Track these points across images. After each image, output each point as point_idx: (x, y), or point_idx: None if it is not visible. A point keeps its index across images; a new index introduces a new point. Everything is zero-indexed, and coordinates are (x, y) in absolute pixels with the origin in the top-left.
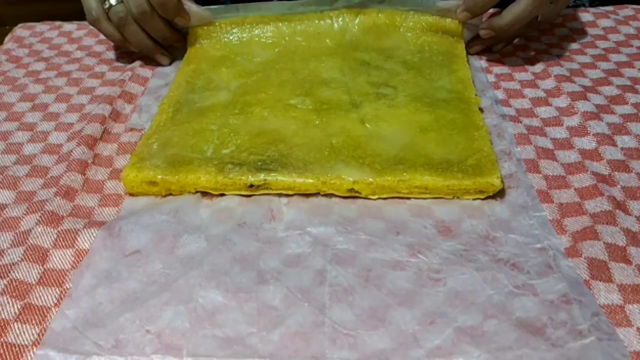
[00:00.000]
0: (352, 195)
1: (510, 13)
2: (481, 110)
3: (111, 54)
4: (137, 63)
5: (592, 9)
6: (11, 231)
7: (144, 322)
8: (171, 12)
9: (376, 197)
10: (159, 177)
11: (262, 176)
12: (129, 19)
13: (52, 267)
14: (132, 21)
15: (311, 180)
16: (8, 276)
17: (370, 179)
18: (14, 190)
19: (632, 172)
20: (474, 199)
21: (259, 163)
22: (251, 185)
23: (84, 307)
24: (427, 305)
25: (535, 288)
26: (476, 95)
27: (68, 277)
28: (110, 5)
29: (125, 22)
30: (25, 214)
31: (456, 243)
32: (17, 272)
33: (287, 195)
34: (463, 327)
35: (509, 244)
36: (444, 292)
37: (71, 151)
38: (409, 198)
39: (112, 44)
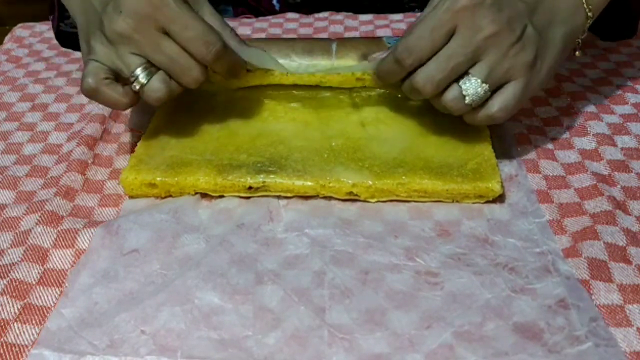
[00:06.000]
0: (351, 198)
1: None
2: None
3: None
4: None
5: None
6: (11, 231)
7: (139, 323)
8: (238, 72)
9: (375, 200)
10: (158, 179)
11: (261, 178)
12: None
13: (52, 267)
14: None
15: (310, 183)
16: (8, 276)
17: (370, 182)
18: (14, 190)
19: (632, 172)
20: (473, 203)
21: (258, 165)
22: (250, 187)
23: (80, 306)
24: (424, 309)
25: (533, 292)
26: None
27: (68, 277)
28: (142, 84)
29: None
30: (25, 214)
31: (454, 246)
32: (17, 272)
33: (286, 197)
34: (460, 332)
35: (508, 248)
36: (442, 295)
37: (71, 151)
38: (408, 201)
39: None
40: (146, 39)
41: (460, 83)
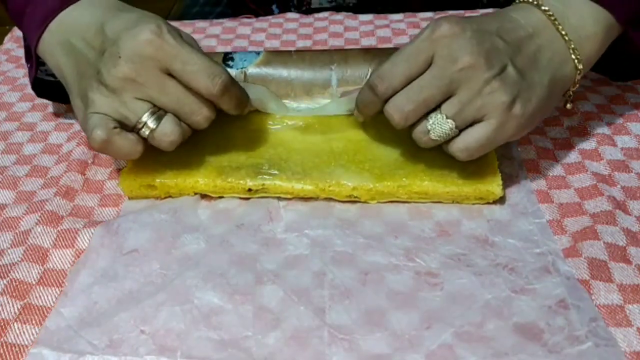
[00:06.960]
0: (352, 200)
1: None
2: None
3: None
4: None
5: None
6: (11, 231)
7: (138, 322)
8: (245, 106)
9: (375, 201)
10: (157, 180)
11: (260, 181)
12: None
13: (52, 267)
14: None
15: (310, 187)
16: (8, 276)
17: (370, 185)
18: (14, 190)
19: (632, 172)
20: (473, 204)
21: (258, 167)
22: (249, 189)
23: (79, 305)
24: (424, 309)
25: (533, 292)
26: None
27: (67, 276)
28: (151, 130)
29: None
30: (25, 214)
31: (454, 247)
32: (17, 272)
33: (285, 198)
34: (460, 332)
35: (508, 248)
36: (442, 296)
37: (71, 151)
38: (408, 201)
39: None
40: (150, 82)
41: (429, 117)
